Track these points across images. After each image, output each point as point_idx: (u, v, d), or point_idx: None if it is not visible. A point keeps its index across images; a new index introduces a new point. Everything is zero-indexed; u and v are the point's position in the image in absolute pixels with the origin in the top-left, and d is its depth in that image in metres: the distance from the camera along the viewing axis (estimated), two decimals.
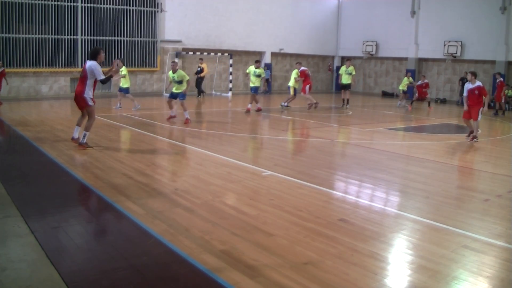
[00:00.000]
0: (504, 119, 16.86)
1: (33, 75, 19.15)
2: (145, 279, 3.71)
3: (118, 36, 20.95)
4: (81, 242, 4.41)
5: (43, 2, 18.88)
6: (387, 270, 4.08)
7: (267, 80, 24.67)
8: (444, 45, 23.09)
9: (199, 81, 20.88)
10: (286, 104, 16.68)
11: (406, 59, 25.33)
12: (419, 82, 19.54)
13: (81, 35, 19.92)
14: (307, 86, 16.22)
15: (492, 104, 19.60)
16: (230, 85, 23.09)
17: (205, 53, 22.74)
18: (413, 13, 24.56)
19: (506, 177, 7.69)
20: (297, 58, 27.03)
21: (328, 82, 29.75)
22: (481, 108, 11.02)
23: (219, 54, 23.53)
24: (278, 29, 25.86)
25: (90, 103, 8.53)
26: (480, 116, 11.04)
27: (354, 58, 27.46)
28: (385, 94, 26.43)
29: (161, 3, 21.84)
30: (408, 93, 20.40)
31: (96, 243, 4.47)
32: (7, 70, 17.64)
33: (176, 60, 21.25)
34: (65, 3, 19.36)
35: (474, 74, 11.15)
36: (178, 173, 7.45)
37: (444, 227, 5.09)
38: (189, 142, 9.89)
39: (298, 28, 26.77)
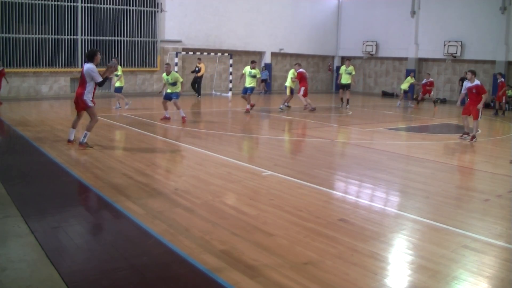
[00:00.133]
0: (504, 119, 16.87)
1: (33, 75, 19.15)
2: (145, 279, 3.70)
3: (118, 36, 20.95)
4: (81, 242, 4.41)
5: (43, 2, 18.88)
6: (387, 270, 4.08)
7: (265, 81, 24.66)
8: (444, 45, 23.09)
9: (198, 81, 20.89)
10: (287, 104, 16.67)
11: (406, 59, 25.33)
12: (424, 81, 19.61)
13: (81, 35, 19.92)
14: (302, 89, 16.15)
15: (492, 104, 19.64)
16: (230, 85, 23.09)
17: (205, 53, 22.75)
18: (413, 13, 24.57)
19: (506, 177, 7.69)
20: (297, 58, 27.06)
21: (328, 82, 29.75)
22: (479, 104, 11.02)
23: (219, 54, 23.53)
24: (278, 29, 25.86)
25: (90, 104, 8.57)
26: (480, 115, 11.06)
27: (354, 58, 27.48)
28: (385, 94, 26.43)
29: (161, 3, 21.84)
30: (409, 93, 20.40)
31: (96, 243, 4.46)
32: (7, 70, 17.65)
33: (176, 60, 21.35)
34: (65, 3, 19.36)
35: (474, 73, 11.20)
36: (178, 173, 7.45)
37: (444, 227, 5.09)
38: (189, 142, 9.89)
39: (298, 28, 26.77)
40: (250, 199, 5.93)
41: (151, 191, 6.10)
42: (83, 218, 5.12)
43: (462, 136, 11.39)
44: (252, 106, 15.58)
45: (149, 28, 21.94)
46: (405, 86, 20.08)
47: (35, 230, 4.55)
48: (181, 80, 12.46)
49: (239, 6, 24.27)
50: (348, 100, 18.49)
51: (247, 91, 15.43)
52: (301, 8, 26.81)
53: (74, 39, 19.84)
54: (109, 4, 20.48)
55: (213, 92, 23.78)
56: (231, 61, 23.34)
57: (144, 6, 21.57)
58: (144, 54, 22.02)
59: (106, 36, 20.59)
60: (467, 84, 11.23)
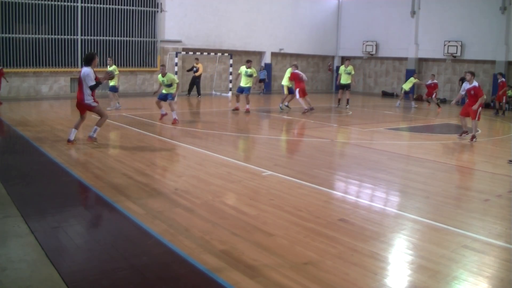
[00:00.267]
0: (504, 119, 16.87)
1: (33, 75, 19.15)
2: (145, 279, 3.70)
3: (118, 36, 20.95)
4: (81, 242, 4.41)
5: (43, 2, 18.88)
6: (387, 270, 4.08)
7: (263, 80, 24.65)
8: (444, 45, 23.09)
9: (197, 81, 20.87)
10: (287, 104, 16.66)
11: (406, 59, 25.33)
12: (429, 82, 19.59)
13: (81, 35, 19.92)
14: (297, 90, 16.04)
15: (492, 104, 19.64)
16: (230, 85, 23.08)
17: (205, 53, 22.75)
18: (413, 13, 24.56)
19: (506, 177, 7.70)
20: (297, 58, 27.06)
21: (328, 82, 29.74)
22: (475, 105, 11.04)
23: (219, 54, 23.53)
24: (278, 29, 25.86)
25: (94, 104, 8.83)
26: (478, 117, 11.06)
27: (354, 58, 27.48)
28: (385, 94, 26.43)
29: (161, 3, 21.84)
30: (411, 93, 20.39)
31: (96, 243, 4.46)
32: (7, 70, 17.67)
33: (176, 60, 21.34)
34: (65, 3, 19.36)
35: (473, 74, 11.22)
36: (178, 173, 7.45)
37: (444, 227, 5.09)
38: (189, 142, 9.89)
39: (298, 28, 26.76)
40: (250, 199, 5.92)
41: (151, 191, 6.10)
42: (83, 218, 5.12)
43: (461, 135, 11.42)
44: (236, 109, 15.52)
45: (149, 28, 21.93)
46: (407, 86, 20.01)
47: (35, 230, 4.55)
48: (176, 81, 12.48)
49: (239, 6, 24.27)
50: (348, 100, 18.49)
51: (243, 91, 15.39)
52: (301, 8, 26.81)
53: (74, 39, 19.84)
54: (109, 4, 20.48)
55: (213, 92, 23.77)
56: (231, 61, 23.34)
57: (144, 6, 21.57)
58: (144, 54, 22.02)
59: (106, 36, 20.59)
60: (466, 85, 11.27)
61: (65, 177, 6.74)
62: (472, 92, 11.05)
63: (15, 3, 18.27)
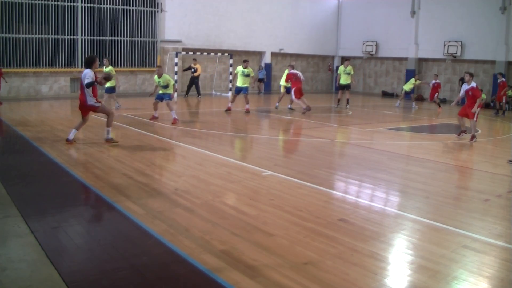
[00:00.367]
0: (504, 119, 16.87)
1: (33, 75, 19.15)
2: (145, 279, 3.71)
3: (118, 36, 20.95)
4: (81, 242, 4.41)
5: (43, 2, 18.88)
6: (387, 270, 4.08)
7: (262, 80, 24.63)
8: (444, 45, 23.09)
9: (195, 82, 20.85)
10: (290, 106, 16.56)
11: (406, 59, 25.33)
12: (432, 82, 19.57)
13: (81, 35, 19.92)
14: (293, 89, 16.00)
15: (492, 104, 19.64)
16: (230, 85, 23.06)
17: (205, 53, 22.74)
18: (413, 13, 24.57)
19: (506, 177, 7.70)
20: (297, 58, 27.08)
21: (328, 82, 29.74)
22: (473, 108, 11.06)
23: (219, 54, 23.52)
24: (278, 29, 25.86)
25: (97, 105, 8.97)
26: (476, 118, 11.07)
27: (354, 58, 27.49)
28: (385, 94, 26.43)
29: (161, 3, 21.84)
30: (411, 94, 20.38)
31: (96, 243, 4.46)
32: (7, 70, 17.69)
33: (176, 60, 21.32)
34: (65, 3, 19.36)
35: (471, 75, 11.26)
36: (178, 173, 7.44)
37: (444, 227, 5.09)
38: (189, 142, 9.89)
39: (298, 28, 26.76)
40: (250, 199, 5.93)
41: (151, 191, 6.10)
42: (83, 218, 5.12)
43: (459, 134, 11.44)
44: (228, 109, 15.50)
45: (149, 28, 21.94)
46: (408, 87, 20.00)
47: (35, 230, 4.55)
48: (172, 82, 12.52)
49: (239, 6, 24.27)
50: (348, 100, 18.48)
51: (241, 91, 15.38)
52: (301, 8, 26.81)
53: (74, 39, 19.84)
54: (109, 4, 20.48)
55: (213, 92, 23.77)
56: (231, 61, 23.29)
57: (144, 6, 21.57)
58: (144, 54, 22.02)
59: (106, 36, 20.58)
60: (464, 86, 11.35)
61: (65, 177, 6.74)
62: (470, 93, 11.12)
63: (15, 3, 18.27)
